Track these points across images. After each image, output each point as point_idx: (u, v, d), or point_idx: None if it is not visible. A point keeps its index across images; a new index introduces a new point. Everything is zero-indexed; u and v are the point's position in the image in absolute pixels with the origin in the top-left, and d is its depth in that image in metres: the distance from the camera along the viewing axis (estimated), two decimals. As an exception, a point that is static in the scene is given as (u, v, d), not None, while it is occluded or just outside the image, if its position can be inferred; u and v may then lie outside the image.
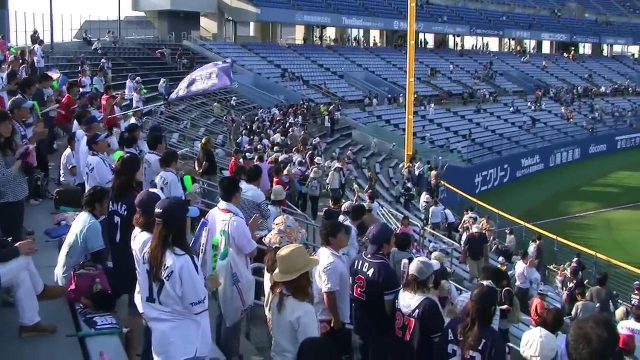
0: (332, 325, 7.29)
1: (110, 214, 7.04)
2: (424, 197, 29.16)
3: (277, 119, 41.55)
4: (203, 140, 18.74)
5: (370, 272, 6.92)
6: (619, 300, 17.16)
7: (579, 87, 71.04)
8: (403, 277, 7.03)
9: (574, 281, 17.92)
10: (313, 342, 5.26)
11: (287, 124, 40.10)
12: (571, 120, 62.36)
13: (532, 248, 22.74)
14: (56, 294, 6.92)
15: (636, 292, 16.78)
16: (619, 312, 13.37)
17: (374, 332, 6.96)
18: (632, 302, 15.83)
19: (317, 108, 48.04)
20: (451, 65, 67.81)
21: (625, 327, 9.63)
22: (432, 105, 54.20)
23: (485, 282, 6.02)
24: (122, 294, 6.96)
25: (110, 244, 7.08)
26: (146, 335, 5.63)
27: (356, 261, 7.22)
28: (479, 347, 5.64)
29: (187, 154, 19.69)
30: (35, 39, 30.05)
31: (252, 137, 34.22)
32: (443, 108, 57.23)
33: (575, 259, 22.16)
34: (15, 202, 8.05)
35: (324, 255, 7.15)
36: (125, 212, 6.72)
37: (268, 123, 40.14)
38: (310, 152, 30.49)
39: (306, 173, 23.56)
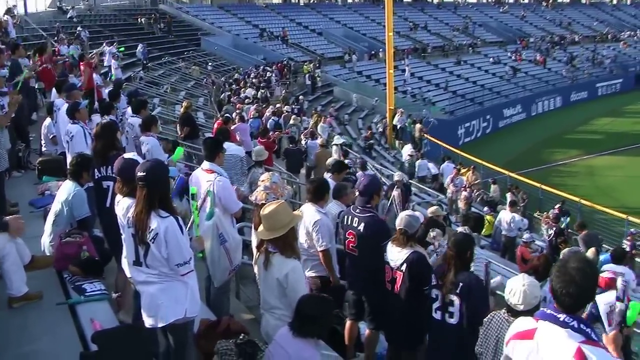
0: (330, 282, 7.36)
1: (97, 180, 6.94)
2: (408, 150, 29.14)
3: (255, 75, 41.47)
4: (184, 104, 18.22)
5: (361, 227, 6.86)
6: (604, 246, 17.28)
7: (554, 35, 70.61)
8: None
9: (554, 228, 18.05)
10: (311, 297, 5.32)
11: (268, 80, 40.18)
12: (540, 64, 62.08)
13: (508, 196, 22.97)
14: (44, 264, 6.93)
15: (629, 238, 16.91)
16: (590, 253, 13.51)
17: (368, 286, 6.97)
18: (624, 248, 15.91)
19: (299, 66, 47.71)
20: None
21: (607, 270, 9.76)
22: (407, 63, 53.23)
23: (460, 229, 6.13)
24: (111, 258, 6.96)
25: (100, 210, 7.04)
26: (136, 298, 5.64)
27: (345, 216, 7.17)
28: (457, 291, 5.86)
29: (164, 115, 19.51)
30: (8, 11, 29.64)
31: (230, 93, 34.42)
32: (423, 62, 56.90)
33: (558, 205, 22.26)
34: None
35: (309, 212, 7.15)
36: None
37: (253, 79, 40.06)
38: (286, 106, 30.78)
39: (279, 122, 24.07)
